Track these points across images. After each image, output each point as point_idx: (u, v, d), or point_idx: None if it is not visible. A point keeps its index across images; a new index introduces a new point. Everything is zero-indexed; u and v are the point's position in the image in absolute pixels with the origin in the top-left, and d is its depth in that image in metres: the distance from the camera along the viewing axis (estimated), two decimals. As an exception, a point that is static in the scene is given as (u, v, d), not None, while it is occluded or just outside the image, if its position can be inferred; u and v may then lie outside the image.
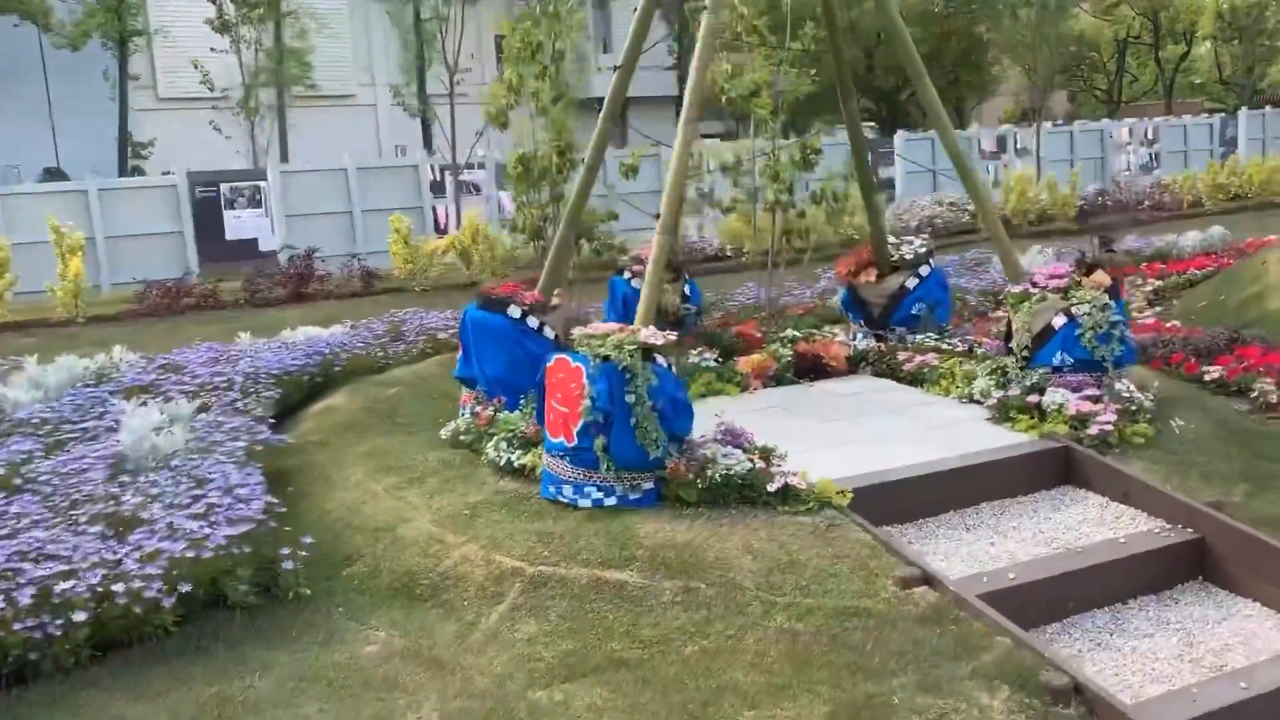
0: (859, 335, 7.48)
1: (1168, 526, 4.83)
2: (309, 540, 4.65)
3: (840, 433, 5.88)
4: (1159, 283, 10.08)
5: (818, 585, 4.26)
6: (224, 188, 18.97)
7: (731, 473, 4.81)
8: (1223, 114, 27.90)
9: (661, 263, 5.31)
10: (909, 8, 33.29)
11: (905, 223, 15.98)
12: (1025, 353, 5.96)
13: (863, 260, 7.37)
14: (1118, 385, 5.66)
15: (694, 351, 7.09)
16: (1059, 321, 5.83)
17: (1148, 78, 46.02)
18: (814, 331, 7.59)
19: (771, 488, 4.78)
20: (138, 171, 25.83)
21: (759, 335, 7.61)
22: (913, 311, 7.23)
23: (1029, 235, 15.06)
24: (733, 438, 5.12)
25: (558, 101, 6.71)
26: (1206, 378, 6.90)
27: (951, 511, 5.14)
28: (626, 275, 7.60)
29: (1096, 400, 5.54)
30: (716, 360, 7.04)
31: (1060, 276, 5.98)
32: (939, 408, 6.22)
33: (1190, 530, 4.76)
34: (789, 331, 7.51)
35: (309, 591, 4.52)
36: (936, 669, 3.73)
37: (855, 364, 7.14)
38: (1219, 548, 4.67)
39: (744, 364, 7.00)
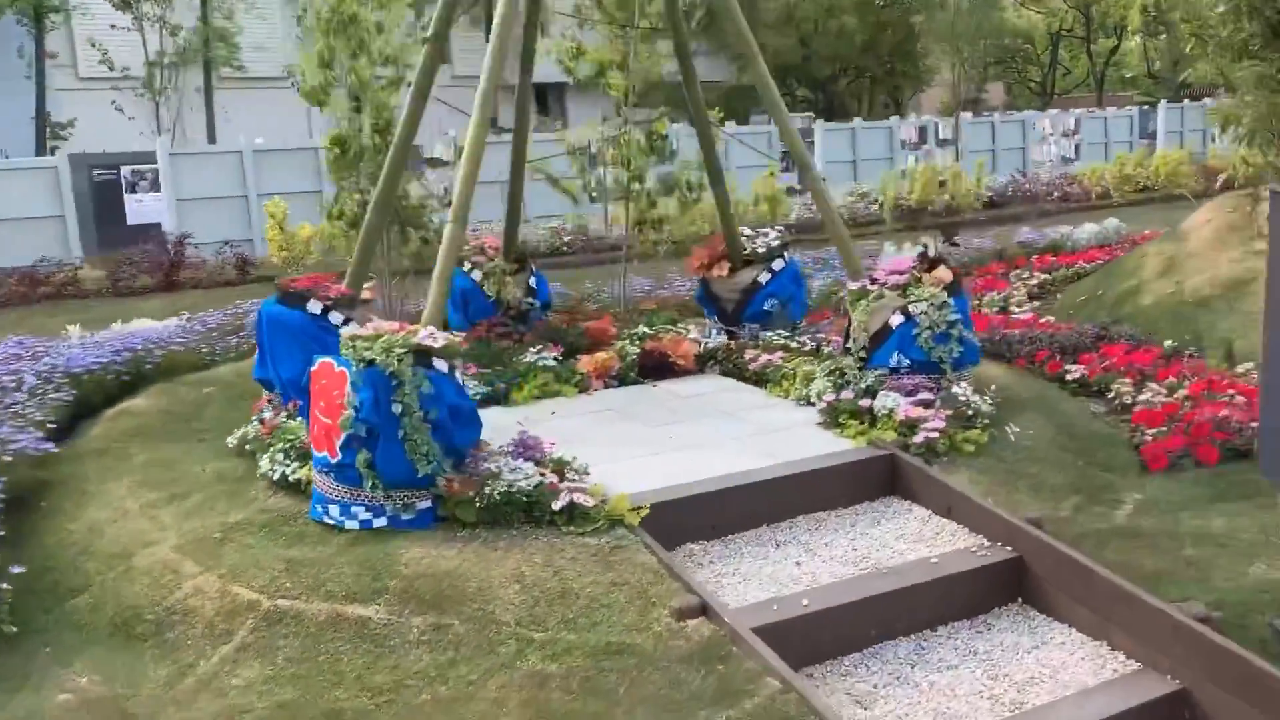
0: (713, 332, 7.06)
1: (987, 544, 4.46)
2: (18, 570, 4.09)
3: (666, 438, 5.44)
4: (1046, 276, 9.82)
5: (586, 618, 3.82)
6: (125, 170, 18.11)
7: (514, 489, 4.35)
8: (1141, 107, 28.06)
9: (452, 254, 4.81)
10: (847, -3, 33.09)
11: (813, 213, 15.60)
12: (863, 353, 5.58)
13: (715, 253, 6.95)
14: (955, 388, 5.30)
15: (533, 349, 6.61)
16: (896, 320, 5.45)
17: (1080, 70, 46.51)
18: (668, 328, 7.15)
19: (557, 505, 4.32)
20: (56, 152, 24.66)
21: (613, 331, 7.16)
22: (765, 307, 6.83)
23: (933, 226, 14.79)
24: (525, 449, 4.65)
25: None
26: (1068, 377, 6.61)
27: (764, 526, 4.73)
28: (466, 266, 7.10)
29: (929, 405, 5.17)
30: (556, 359, 6.57)
31: (901, 273, 5.60)
32: (776, 411, 5.82)
33: (1009, 549, 4.40)
34: (640, 328, 7.06)
35: (15, 629, 3.97)
36: None
37: (704, 362, 6.72)
38: (1037, 568, 4.30)
39: (585, 363, 6.54)
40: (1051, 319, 7.94)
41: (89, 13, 25.04)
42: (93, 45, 23.93)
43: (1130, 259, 8.79)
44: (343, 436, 4.31)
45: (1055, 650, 4.02)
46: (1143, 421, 5.68)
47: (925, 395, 5.26)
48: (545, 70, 7.97)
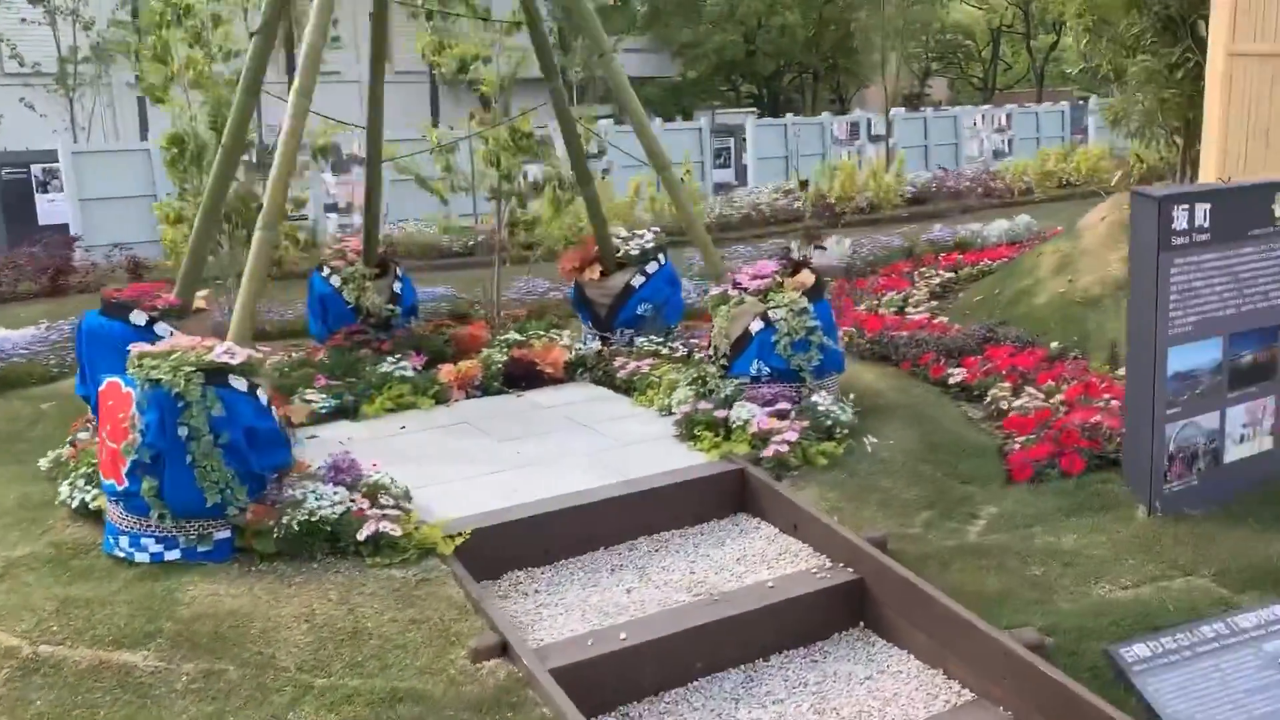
0: (587, 338, 6.77)
1: (829, 565, 4.23)
2: None
3: (513, 455, 5.14)
4: (950, 274, 9.64)
5: (376, 661, 3.50)
6: (35, 169, 17.43)
7: (316, 518, 4.02)
8: (1077, 101, 28.24)
9: (263, 261, 4.47)
10: (789, -7, 32.99)
11: (737, 209, 15.40)
12: (724, 361, 5.32)
13: (588, 256, 6.66)
14: (815, 397, 5.06)
15: (391, 359, 6.27)
16: (756, 326, 5.20)
17: (1021, 66, 46.92)
18: (541, 334, 6.84)
19: (361, 535, 4.01)
20: (-37, 151, 23.68)
21: (485, 338, 6.85)
22: (638, 312, 6.56)
23: (855, 224, 14.64)
24: (338, 472, 4.33)
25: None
26: (950, 381, 6.41)
27: (602, 549, 4.45)
28: (325, 272, 6.74)
29: (785, 416, 4.93)
30: (417, 369, 6.24)
31: (764, 277, 5.36)
32: (636, 422, 5.54)
33: (851, 570, 4.16)
34: (511, 334, 6.75)
35: None
36: (462, 777, 3.02)
37: (575, 370, 6.43)
38: (878, 591, 4.07)
39: (446, 373, 6.22)
40: (946, 319, 7.76)
41: (11, 5, 24.14)
42: (2, 40, 23.03)
43: (1029, 257, 8.64)
44: (128, 463, 3.96)
45: (889, 680, 3.79)
46: (1014, 428, 5.48)
47: (784, 405, 5.02)
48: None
